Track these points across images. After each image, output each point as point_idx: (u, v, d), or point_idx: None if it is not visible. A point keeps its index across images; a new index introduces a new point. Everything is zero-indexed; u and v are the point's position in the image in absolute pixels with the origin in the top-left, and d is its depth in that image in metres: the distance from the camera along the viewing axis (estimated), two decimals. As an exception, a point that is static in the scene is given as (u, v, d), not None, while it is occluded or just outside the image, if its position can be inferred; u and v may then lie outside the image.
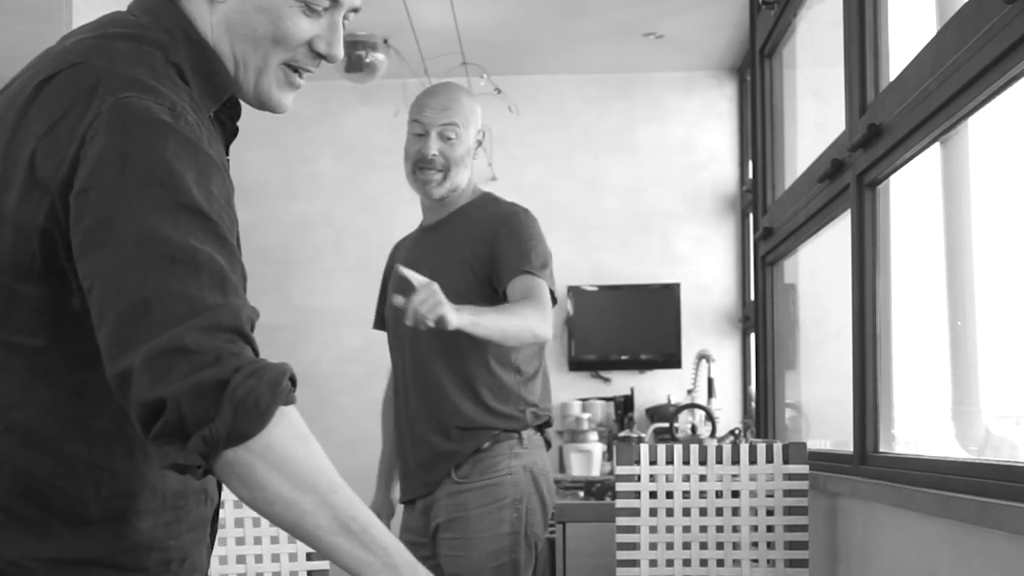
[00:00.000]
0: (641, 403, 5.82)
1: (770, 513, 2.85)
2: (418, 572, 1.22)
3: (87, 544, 1.27)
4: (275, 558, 2.65)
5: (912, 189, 2.84)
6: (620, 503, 2.89)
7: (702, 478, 2.88)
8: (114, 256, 1.18)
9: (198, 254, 1.19)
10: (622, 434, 5.14)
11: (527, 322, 2.65)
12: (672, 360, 5.87)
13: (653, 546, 2.87)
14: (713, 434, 4.96)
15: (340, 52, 1.41)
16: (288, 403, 1.20)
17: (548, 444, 2.93)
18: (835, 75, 3.10)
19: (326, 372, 5.93)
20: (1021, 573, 1.83)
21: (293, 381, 1.22)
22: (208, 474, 1.19)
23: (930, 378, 2.91)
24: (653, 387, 5.88)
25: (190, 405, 1.14)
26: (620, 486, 2.90)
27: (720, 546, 2.86)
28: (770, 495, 2.84)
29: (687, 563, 2.86)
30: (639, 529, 2.88)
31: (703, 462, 2.88)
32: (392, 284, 2.97)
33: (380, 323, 3.11)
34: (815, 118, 3.98)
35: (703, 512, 2.87)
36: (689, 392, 5.42)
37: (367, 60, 5.38)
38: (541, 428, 2.90)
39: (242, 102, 1.46)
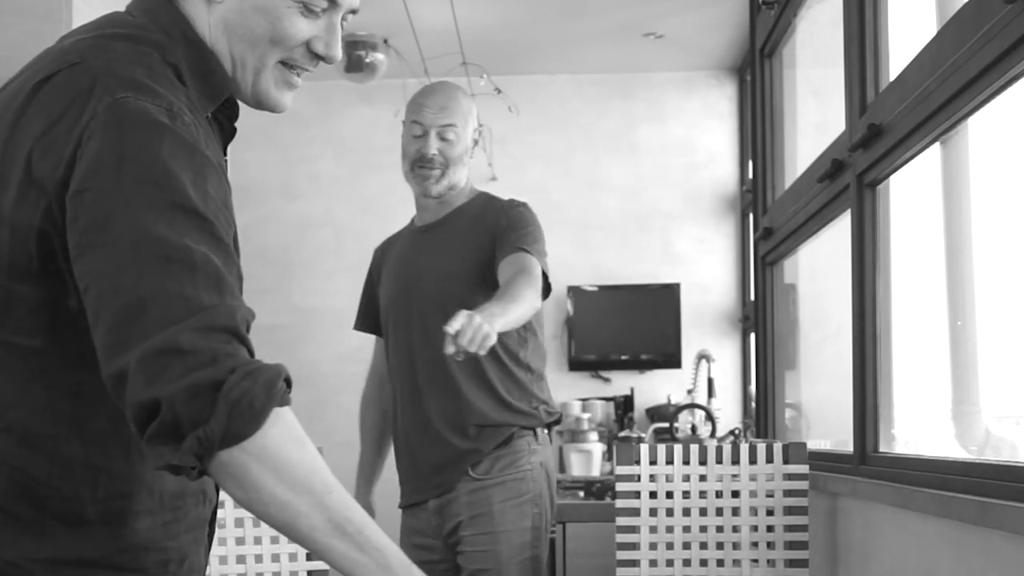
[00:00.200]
0: (641, 403, 5.81)
1: (770, 513, 2.85)
2: (412, 573, 1.22)
3: (84, 545, 1.27)
4: (275, 558, 2.65)
5: (912, 189, 2.84)
6: (620, 503, 2.89)
7: (702, 478, 2.88)
8: (110, 256, 1.18)
9: (194, 254, 1.19)
10: (622, 434, 5.14)
11: (531, 303, 2.62)
12: (672, 360, 5.87)
13: (653, 546, 2.87)
14: (713, 434, 4.96)
15: (338, 53, 1.41)
16: (283, 404, 1.20)
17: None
18: (835, 75, 3.10)
19: (326, 372, 5.93)
20: (1021, 573, 1.83)
21: (288, 382, 1.21)
22: (203, 475, 1.18)
23: (930, 378, 2.91)
24: (653, 387, 5.88)
25: (185, 406, 1.14)
26: (620, 486, 2.90)
27: (720, 546, 2.86)
28: (770, 495, 2.84)
29: (687, 563, 2.86)
30: (639, 529, 2.87)
31: (703, 462, 2.88)
32: (386, 285, 2.97)
33: (364, 324, 3.10)
34: (815, 118, 3.98)
35: (703, 512, 2.87)
36: (689, 392, 5.42)
37: (367, 60, 5.38)
38: (549, 426, 2.92)
39: (240, 102, 1.46)
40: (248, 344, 1.21)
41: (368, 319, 3.09)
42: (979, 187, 2.62)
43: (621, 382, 5.89)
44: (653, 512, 2.88)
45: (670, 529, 2.87)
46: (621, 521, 2.88)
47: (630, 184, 6.05)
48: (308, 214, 6.15)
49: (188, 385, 1.14)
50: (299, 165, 6.18)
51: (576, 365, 5.91)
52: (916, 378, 2.93)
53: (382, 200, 5.97)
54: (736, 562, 2.84)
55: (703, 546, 2.87)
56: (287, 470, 1.18)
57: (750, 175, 4.98)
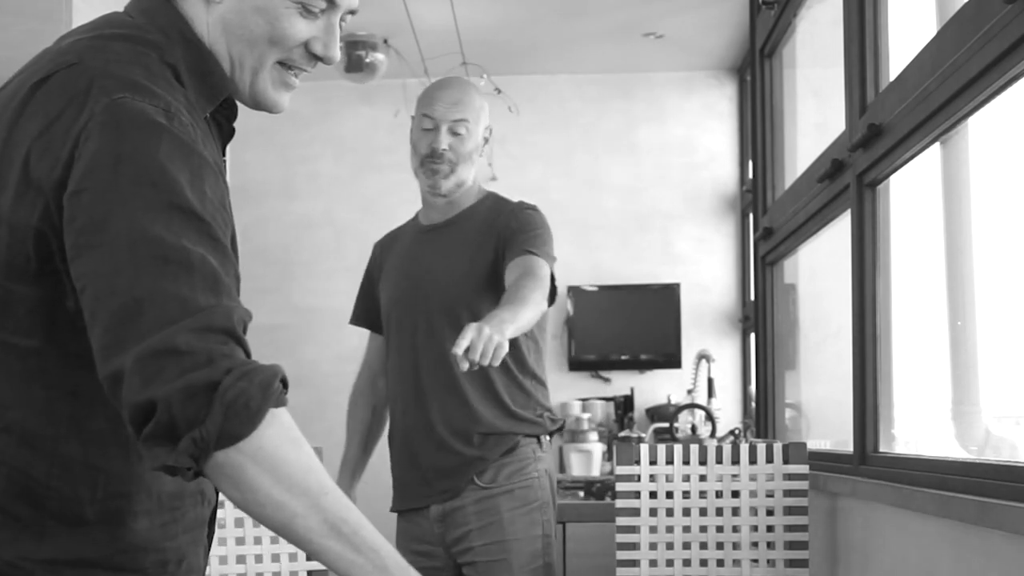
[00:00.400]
0: (641, 403, 5.82)
1: (770, 513, 2.84)
2: (408, 574, 1.22)
3: (83, 545, 1.27)
4: (275, 558, 2.65)
5: (912, 189, 2.84)
6: (620, 503, 2.89)
7: (702, 478, 2.88)
8: (107, 257, 1.18)
9: (191, 255, 1.19)
10: (622, 434, 5.14)
11: (538, 306, 2.56)
12: (672, 360, 5.87)
13: (653, 546, 2.87)
14: (713, 434, 4.96)
15: (336, 54, 1.41)
16: (279, 405, 1.20)
17: None
18: (835, 75, 3.10)
19: (326, 372, 5.93)
20: (1021, 573, 1.82)
21: (285, 383, 1.21)
22: (199, 476, 1.18)
23: (930, 378, 2.91)
24: (653, 387, 5.88)
25: (180, 406, 1.14)
26: (620, 486, 2.90)
27: (720, 546, 2.86)
28: (770, 495, 2.84)
29: (687, 563, 2.86)
30: (639, 529, 2.87)
31: (703, 462, 2.88)
32: (389, 283, 2.93)
33: (361, 319, 3.05)
34: (815, 118, 3.98)
35: (703, 512, 2.87)
36: (689, 392, 5.42)
37: (367, 60, 5.38)
38: (551, 433, 2.89)
39: (239, 103, 1.45)
40: (245, 345, 1.21)
41: (365, 314, 3.04)
42: (979, 187, 2.62)
43: (621, 382, 5.89)
44: (653, 512, 2.88)
45: (670, 529, 2.87)
46: (621, 521, 2.88)
47: (630, 184, 6.05)
48: (308, 214, 6.15)
49: (184, 386, 1.14)
50: (299, 165, 6.18)
51: (576, 365, 5.91)
52: (916, 378, 2.93)
53: (382, 200, 5.97)
54: (736, 562, 2.84)
55: (703, 546, 2.87)
56: (283, 471, 1.18)
57: (750, 175, 4.98)
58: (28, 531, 1.25)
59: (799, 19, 3.90)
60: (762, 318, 4.15)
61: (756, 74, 4.32)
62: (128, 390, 1.15)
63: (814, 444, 3.45)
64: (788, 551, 2.83)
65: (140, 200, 1.19)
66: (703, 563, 2.86)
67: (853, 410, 2.89)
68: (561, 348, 5.88)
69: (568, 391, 5.75)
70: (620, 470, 2.90)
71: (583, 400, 5.64)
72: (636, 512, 2.88)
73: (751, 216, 5.01)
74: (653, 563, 2.86)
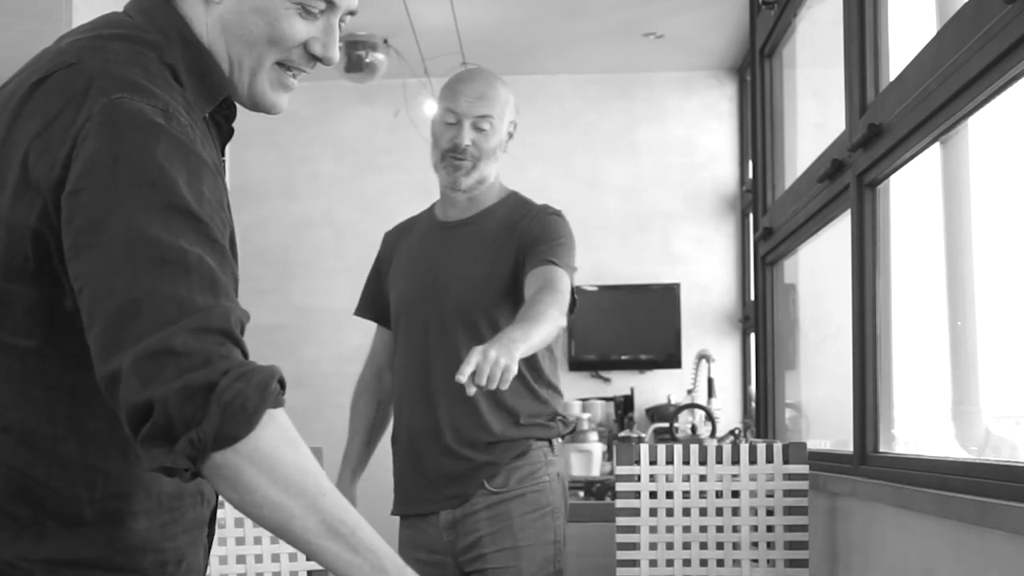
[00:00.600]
0: (641, 403, 5.82)
1: (770, 513, 2.84)
2: (406, 575, 1.22)
3: (82, 545, 1.27)
4: (275, 558, 2.65)
5: (912, 189, 2.84)
6: (620, 503, 2.89)
7: (702, 478, 2.88)
8: (104, 257, 1.18)
9: (188, 256, 1.19)
10: (622, 434, 5.14)
11: (556, 323, 2.46)
12: (672, 360, 5.87)
13: (653, 546, 2.87)
14: (713, 434, 4.96)
15: (335, 55, 1.41)
16: (277, 406, 1.19)
17: None
18: (835, 75, 3.10)
19: (326, 372, 5.93)
20: (1021, 573, 1.82)
21: (282, 384, 1.21)
22: (196, 477, 1.18)
23: (930, 378, 2.91)
24: (653, 387, 5.88)
25: (178, 407, 1.14)
26: (620, 486, 2.90)
27: (720, 546, 2.86)
28: (770, 495, 2.84)
29: (687, 563, 2.86)
30: (639, 529, 2.87)
31: (703, 462, 2.88)
32: (401, 278, 2.82)
33: (367, 311, 2.94)
34: (815, 118, 3.98)
35: (703, 512, 2.87)
36: (689, 392, 5.42)
37: (367, 60, 5.39)
38: (563, 436, 2.82)
39: (237, 104, 1.45)
40: (242, 346, 1.21)
41: (371, 306, 2.93)
42: (979, 187, 2.62)
43: (621, 382, 5.89)
44: (653, 512, 2.88)
45: (670, 529, 2.87)
46: (621, 521, 2.88)
47: (630, 184, 6.05)
48: (308, 214, 6.15)
49: (181, 387, 1.14)
50: (299, 165, 6.18)
51: (576, 365, 5.91)
52: (916, 378, 2.93)
53: (382, 200, 5.97)
54: (736, 562, 2.84)
55: (703, 546, 2.87)
56: (280, 472, 1.18)
57: (750, 175, 4.98)
58: (27, 531, 1.25)
59: (799, 19, 3.90)
60: (762, 318, 4.15)
61: (756, 74, 4.32)
62: (125, 391, 1.15)
63: (814, 444, 3.45)
64: (788, 551, 2.83)
65: (138, 200, 1.19)
66: (703, 563, 2.85)
67: (853, 410, 2.89)
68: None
69: (568, 391, 5.71)
70: (620, 470, 2.90)
71: (583, 400, 5.65)
72: (636, 512, 2.88)
73: (751, 216, 5.01)
74: (653, 563, 2.86)
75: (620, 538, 2.88)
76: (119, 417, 1.19)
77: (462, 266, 2.71)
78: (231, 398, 1.15)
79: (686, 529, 2.87)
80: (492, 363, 2.16)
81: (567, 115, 6.07)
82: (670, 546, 2.87)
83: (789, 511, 2.83)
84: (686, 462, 2.89)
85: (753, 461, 2.86)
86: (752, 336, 5.17)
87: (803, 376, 4.12)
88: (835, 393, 3.37)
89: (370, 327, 3.07)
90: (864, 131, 2.70)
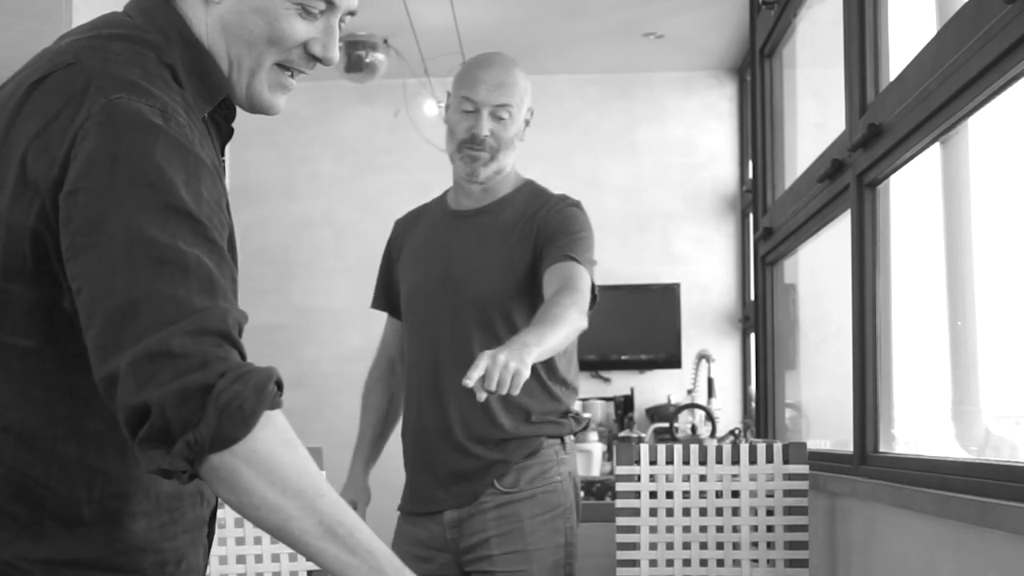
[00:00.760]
0: (641, 403, 5.82)
1: (770, 513, 2.84)
2: (403, 575, 1.22)
3: (81, 546, 1.27)
4: (275, 558, 2.65)
5: (912, 189, 2.84)
6: (620, 503, 2.89)
7: (702, 478, 2.88)
8: (102, 258, 1.18)
9: (186, 257, 1.19)
10: (622, 434, 5.14)
11: (575, 325, 2.39)
12: (672, 360, 5.87)
13: (653, 546, 2.87)
14: (713, 434, 4.96)
15: (335, 55, 1.41)
16: (274, 407, 1.19)
17: None
18: (835, 75, 3.10)
19: (326, 372, 5.93)
20: (1021, 573, 1.82)
21: (279, 385, 1.21)
22: (194, 479, 1.18)
23: (930, 378, 2.91)
24: (653, 387, 5.88)
25: (175, 410, 1.14)
26: (620, 486, 2.90)
27: (720, 546, 2.86)
28: (770, 495, 2.84)
29: (687, 563, 2.86)
30: (639, 529, 2.87)
31: (703, 462, 2.88)
32: (411, 268, 2.74)
33: (383, 303, 2.85)
34: (815, 118, 3.98)
35: (703, 512, 2.87)
36: (689, 392, 5.42)
37: (367, 60, 5.39)
38: (576, 433, 2.75)
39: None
40: (240, 347, 1.20)
41: (387, 298, 2.83)
42: (979, 187, 2.62)
43: (621, 382, 5.89)
44: (653, 512, 2.88)
45: (670, 529, 2.87)
46: (621, 521, 2.88)
47: (630, 184, 6.05)
48: (308, 214, 6.16)
49: (178, 389, 1.14)
50: (299, 165, 6.18)
51: (576, 365, 5.91)
52: (916, 378, 2.93)
53: (382, 200, 5.97)
54: (736, 562, 2.84)
55: (703, 546, 2.86)
56: (278, 474, 1.18)
57: (750, 175, 4.98)
58: (26, 531, 1.25)
59: (799, 19, 3.90)
60: (762, 318, 4.15)
61: (756, 74, 4.32)
62: (123, 393, 1.15)
63: (814, 444, 3.45)
64: (788, 551, 2.83)
65: (136, 201, 1.19)
66: (703, 563, 2.85)
67: (853, 410, 2.89)
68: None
69: (568, 391, 5.75)
70: (620, 470, 2.90)
71: (583, 400, 5.64)
72: (636, 512, 2.88)
73: (751, 216, 5.01)
74: (653, 563, 2.86)
75: (620, 538, 2.88)
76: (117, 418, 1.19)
77: (477, 259, 2.62)
78: (228, 400, 1.15)
79: (686, 529, 2.87)
80: (501, 367, 2.08)
81: (567, 115, 6.07)
82: (670, 546, 2.87)
83: (789, 511, 2.83)
84: (686, 462, 2.89)
85: (753, 461, 2.86)
86: (752, 336, 5.17)
87: (803, 376, 4.12)
88: (835, 393, 3.37)
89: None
90: (864, 131, 2.70)
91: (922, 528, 2.30)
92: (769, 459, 2.85)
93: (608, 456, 4.97)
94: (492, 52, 2.76)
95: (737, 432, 5.01)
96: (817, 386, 4.05)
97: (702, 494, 2.87)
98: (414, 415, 2.69)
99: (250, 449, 1.17)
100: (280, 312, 5.99)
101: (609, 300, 6.09)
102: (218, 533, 2.57)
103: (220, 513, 2.49)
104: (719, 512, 2.86)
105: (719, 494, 2.87)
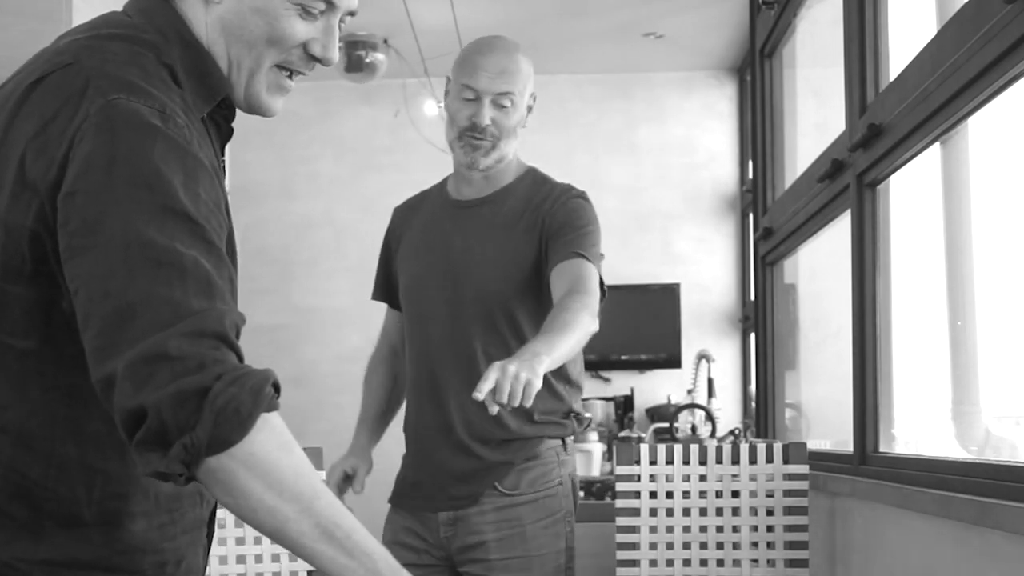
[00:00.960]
0: (641, 403, 5.82)
1: (770, 513, 2.84)
2: None
3: (80, 546, 1.27)
4: (275, 558, 2.65)
5: (912, 189, 2.84)
6: (620, 503, 2.89)
7: (702, 478, 2.88)
8: (100, 259, 1.17)
9: (184, 258, 1.19)
10: (622, 434, 5.14)
11: (585, 330, 2.31)
12: (672, 360, 5.87)
13: (653, 546, 2.87)
14: (713, 434, 4.96)
15: (335, 55, 1.41)
16: (271, 410, 1.19)
17: None
18: (835, 75, 3.10)
19: (326, 372, 5.93)
20: (1021, 573, 1.82)
21: (276, 387, 1.21)
22: (191, 481, 1.18)
23: (930, 378, 2.91)
24: (653, 387, 5.88)
25: (171, 412, 1.14)
26: (620, 486, 2.90)
27: (720, 546, 2.86)
28: (770, 495, 2.84)
29: (687, 563, 2.86)
30: (639, 529, 2.87)
31: (703, 462, 2.88)
32: (410, 259, 2.66)
33: (383, 295, 2.77)
34: (815, 118, 3.98)
35: (703, 512, 2.87)
36: (689, 392, 5.42)
37: (367, 60, 5.39)
38: (576, 433, 2.69)
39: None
40: (237, 349, 1.20)
41: (387, 289, 2.75)
42: (979, 187, 2.62)
43: (621, 382, 5.89)
44: (653, 512, 2.88)
45: (670, 529, 2.87)
46: (621, 521, 2.88)
47: (630, 184, 6.05)
48: (308, 214, 6.16)
49: (174, 392, 1.14)
50: (299, 165, 6.18)
51: (576, 365, 5.91)
52: (916, 378, 2.93)
53: (382, 200, 5.93)
54: (736, 562, 2.84)
55: (703, 546, 2.86)
56: (274, 476, 1.18)
57: (750, 175, 4.98)
58: (25, 532, 1.25)
59: (799, 19, 3.90)
60: (762, 318, 4.15)
61: (756, 74, 4.32)
62: (120, 395, 1.15)
63: (814, 444, 3.45)
64: (788, 551, 2.83)
65: (134, 202, 1.19)
66: (703, 563, 2.85)
67: (853, 410, 2.89)
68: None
69: (568, 391, 5.75)
70: (620, 470, 2.90)
71: (583, 400, 5.64)
72: (636, 512, 2.88)
73: (751, 216, 5.01)
74: (653, 563, 2.86)
75: (620, 538, 2.88)
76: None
77: (480, 252, 2.54)
78: (224, 403, 1.14)
79: (686, 529, 2.87)
80: (512, 378, 2.00)
81: (567, 115, 6.07)
82: (670, 546, 2.87)
83: (789, 511, 2.83)
84: (686, 462, 2.89)
85: (753, 461, 2.86)
86: (752, 336, 5.17)
87: (803, 376, 4.12)
88: (835, 393, 3.37)
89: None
90: (864, 131, 2.70)
91: (922, 528, 2.30)
92: (769, 459, 2.85)
93: (608, 456, 4.97)
94: (493, 36, 2.68)
95: (737, 432, 5.01)
96: (817, 386, 4.05)
97: (702, 494, 2.87)
98: (412, 413, 2.64)
99: (247, 452, 1.16)
100: (280, 312, 5.98)
101: (609, 300, 6.05)
102: (218, 533, 2.57)
103: (220, 513, 2.48)
104: (719, 512, 2.86)
105: (719, 494, 2.87)
